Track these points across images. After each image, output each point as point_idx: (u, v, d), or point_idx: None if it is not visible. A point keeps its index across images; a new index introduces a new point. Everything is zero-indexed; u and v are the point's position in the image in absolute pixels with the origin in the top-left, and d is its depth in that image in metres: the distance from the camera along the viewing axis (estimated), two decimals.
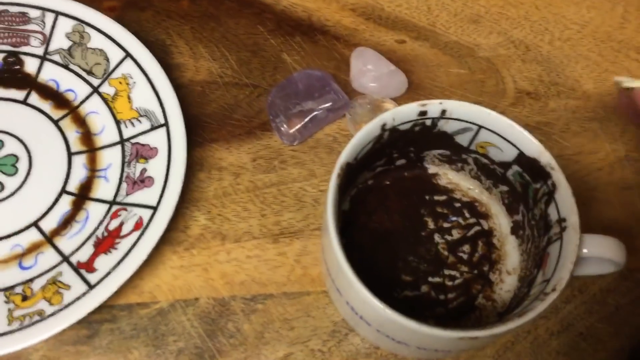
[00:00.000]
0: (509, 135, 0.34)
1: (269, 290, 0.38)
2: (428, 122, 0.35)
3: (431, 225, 0.38)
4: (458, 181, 0.40)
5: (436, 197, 0.39)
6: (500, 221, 0.39)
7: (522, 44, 0.48)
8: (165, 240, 0.39)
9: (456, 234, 0.38)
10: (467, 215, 0.39)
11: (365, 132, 0.33)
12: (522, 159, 0.34)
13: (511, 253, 0.38)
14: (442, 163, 0.40)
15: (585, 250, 0.32)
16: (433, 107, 0.34)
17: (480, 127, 0.34)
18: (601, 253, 0.32)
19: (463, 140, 0.36)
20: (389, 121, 0.34)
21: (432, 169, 0.40)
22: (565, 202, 0.32)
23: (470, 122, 0.35)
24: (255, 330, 0.37)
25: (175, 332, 0.37)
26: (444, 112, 0.34)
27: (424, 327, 0.29)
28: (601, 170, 0.43)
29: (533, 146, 0.33)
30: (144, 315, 0.37)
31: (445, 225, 0.39)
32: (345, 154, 0.32)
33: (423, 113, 0.34)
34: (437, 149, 0.38)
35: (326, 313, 0.38)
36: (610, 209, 0.42)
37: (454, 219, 0.39)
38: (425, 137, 0.36)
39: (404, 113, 0.34)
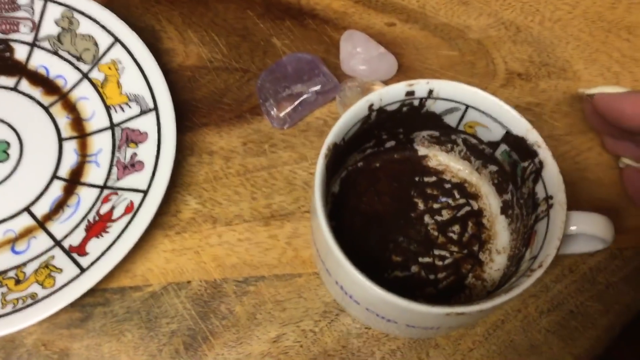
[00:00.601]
0: (496, 114, 0.34)
1: (261, 273, 0.39)
2: (416, 103, 0.35)
3: (421, 206, 0.39)
4: (448, 162, 0.40)
5: (426, 179, 0.39)
6: (490, 201, 0.39)
7: (513, 25, 0.48)
8: (156, 224, 0.39)
9: (446, 214, 0.39)
10: (457, 196, 0.39)
11: (352, 113, 0.33)
12: (510, 138, 0.34)
13: (501, 233, 0.38)
14: (431, 144, 0.40)
15: (573, 228, 0.32)
16: (420, 87, 0.34)
17: (468, 106, 0.35)
18: (589, 230, 0.33)
19: (451, 120, 0.36)
20: (376, 101, 0.34)
21: (422, 151, 0.40)
22: (552, 180, 0.32)
23: (458, 102, 0.35)
24: (247, 312, 0.38)
25: (168, 315, 0.37)
26: (431, 91, 0.34)
27: (411, 304, 0.29)
28: (591, 150, 0.44)
29: (520, 124, 0.33)
30: (137, 298, 0.38)
31: (435, 206, 0.39)
32: (333, 135, 0.33)
33: (410, 93, 0.34)
34: (426, 129, 0.38)
35: (317, 294, 0.38)
36: (601, 188, 0.42)
37: (443, 199, 0.39)
38: (413, 117, 0.36)
39: (391, 93, 0.34)
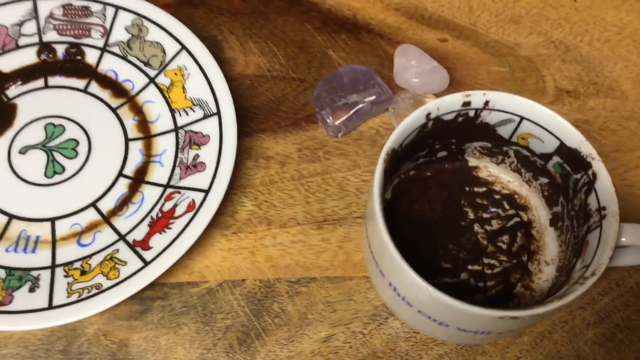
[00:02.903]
0: (550, 126, 0.35)
1: (313, 274, 0.40)
2: (471, 113, 0.36)
3: (471, 215, 0.40)
4: (498, 174, 0.41)
5: (476, 189, 0.40)
6: (540, 213, 0.40)
7: (562, 44, 0.49)
8: (214, 223, 0.41)
9: (495, 224, 0.39)
10: (506, 206, 0.40)
11: (410, 120, 0.35)
12: (563, 150, 0.35)
13: (550, 244, 0.39)
14: (482, 156, 0.41)
15: (623, 239, 0.33)
16: (477, 97, 0.35)
17: (523, 118, 0.36)
18: (639, 241, 0.33)
19: (505, 132, 0.37)
20: (433, 110, 0.35)
21: (472, 162, 0.41)
22: (605, 191, 0.33)
23: (513, 114, 0.36)
24: (299, 312, 0.39)
25: (223, 311, 0.39)
26: (487, 102, 0.35)
27: (465, 305, 0.30)
28: (639, 168, 0.44)
29: (574, 136, 0.34)
30: (194, 294, 0.39)
31: (485, 215, 0.40)
32: (392, 140, 0.34)
33: (467, 104, 0.35)
34: (478, 140, 0.39)
35: (367, 297, 0.39)
36: None
37: (493, 210, 0.40)
38: (467, 128, 0.37)
39: (448, 103, 0.35)
